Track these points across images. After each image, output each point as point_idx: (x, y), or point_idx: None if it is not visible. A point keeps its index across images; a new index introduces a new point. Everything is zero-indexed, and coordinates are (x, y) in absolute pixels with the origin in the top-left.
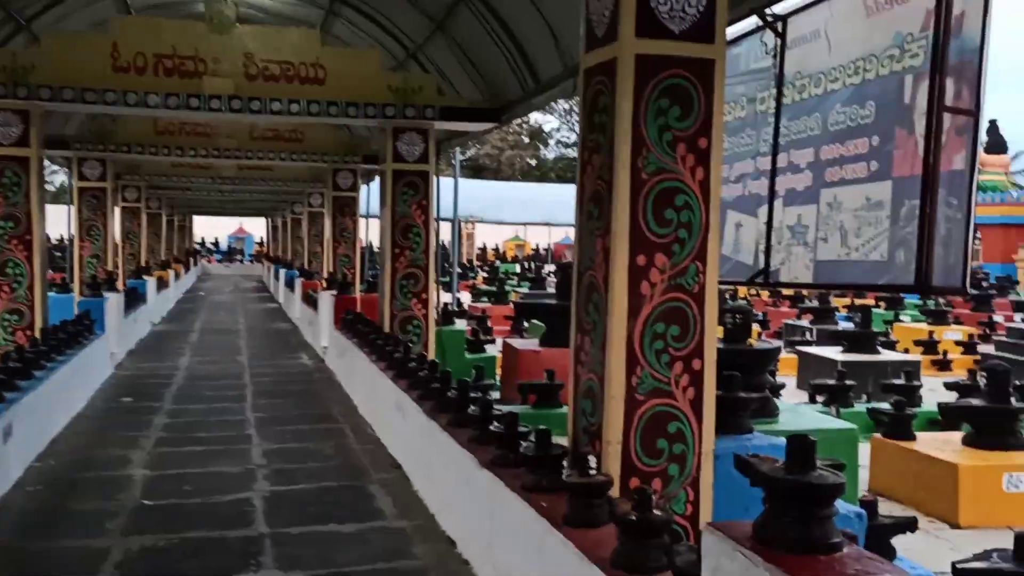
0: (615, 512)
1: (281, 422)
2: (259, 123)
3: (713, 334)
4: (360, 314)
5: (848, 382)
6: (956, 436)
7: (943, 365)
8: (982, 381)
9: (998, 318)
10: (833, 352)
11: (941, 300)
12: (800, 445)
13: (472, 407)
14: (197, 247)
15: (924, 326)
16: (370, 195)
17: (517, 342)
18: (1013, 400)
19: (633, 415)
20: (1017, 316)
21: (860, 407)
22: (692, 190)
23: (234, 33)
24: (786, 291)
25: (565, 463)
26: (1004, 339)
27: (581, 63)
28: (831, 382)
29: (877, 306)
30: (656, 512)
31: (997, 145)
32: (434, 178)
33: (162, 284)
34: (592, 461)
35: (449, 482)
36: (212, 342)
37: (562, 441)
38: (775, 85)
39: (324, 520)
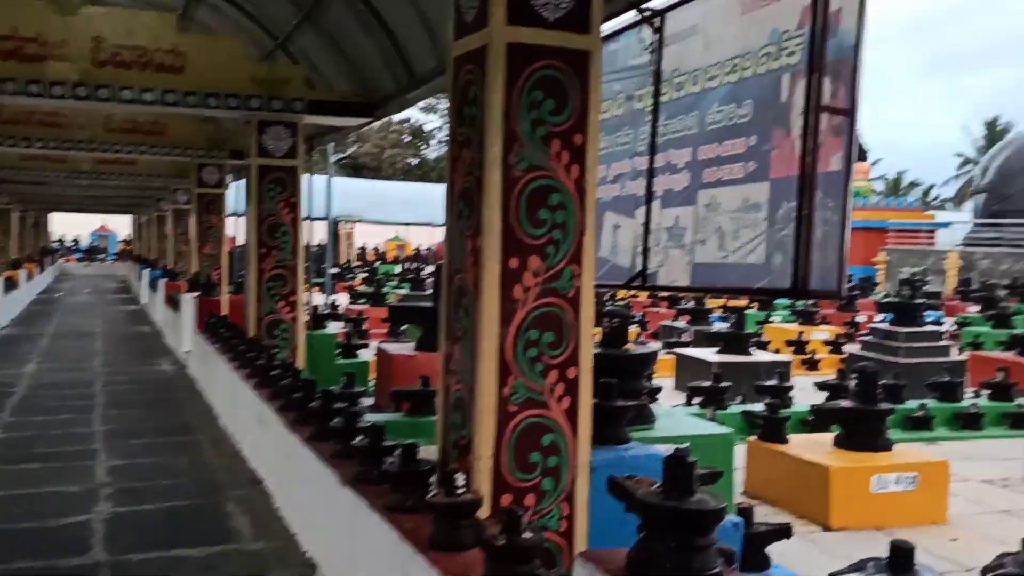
0: (482, 535)
1: (132, 435)
2: (115, 113)
3: (589, 340)
4: (223, 318)
5: (724, 384)
6: (827, 438)
7: (812, 364)
8: (852, 383)
9: (862, 318)
10: (709, 353)
11: (810, 301)
12: (677, 466)
13: (337, 418)
14: (55, 245)
15: (794, 327)
16: (239, 192)
17: (391, 346)
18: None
19: (505, 427)
20: (879, 316)
21: (736, 408)
22: (567, 189)
23: (82, 15)
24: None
25: (433, 480)
26: (868, 339)
27: (450, 51)
28: (707, 384)
29: (751, 307)
30: (526, 535)
31: (858, 152)
32: (303, 175)
33: (11, 285)
34: (460, 479)
35: (311, 500)
36: (64, 347)
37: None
38: (653, 82)
39: (171, 544)
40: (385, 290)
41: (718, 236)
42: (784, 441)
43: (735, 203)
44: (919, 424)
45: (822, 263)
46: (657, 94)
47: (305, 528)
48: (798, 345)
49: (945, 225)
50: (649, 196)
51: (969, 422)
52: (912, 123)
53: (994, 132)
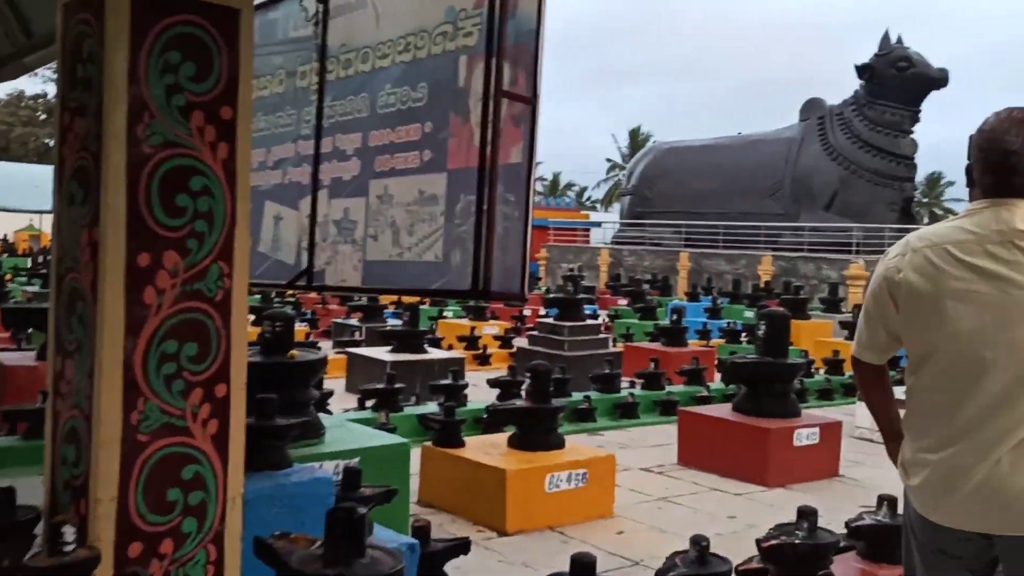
0: None
1: None
2: None
3: (242, 351)
4: None
5: (397, 385)
6: (502, 439)
7: (484, 360)
8: (525, 380)
9: (528, 312)
10: (382, 352)
11: None
12: (343, 520)
13: None
14: None
15: (466, 322)
16: None
17: (8, 355)
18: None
19: (134, 462)
20: (543, 310)
21: (411, 411)
22: (213, 171)
23: None
24: None
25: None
26: (535, 333)
27: None
28: (380, 386)
29: (423, 303)
30: None
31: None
32: None
33: None
34: (69, 532)
35: None
36: None
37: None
38: (318, 58)
39: None
40: (11, 287)
41: (392, 231)
42: (460, 444)
43: (410, 195)
44: (583, 416)
45: (504, 262)
46: (323, 71)
47: None
48: (470, 341)
49: (597, 224)
50: (315, 185)
51: (627, 411)
52: (570, 130)
53: (637, 140)
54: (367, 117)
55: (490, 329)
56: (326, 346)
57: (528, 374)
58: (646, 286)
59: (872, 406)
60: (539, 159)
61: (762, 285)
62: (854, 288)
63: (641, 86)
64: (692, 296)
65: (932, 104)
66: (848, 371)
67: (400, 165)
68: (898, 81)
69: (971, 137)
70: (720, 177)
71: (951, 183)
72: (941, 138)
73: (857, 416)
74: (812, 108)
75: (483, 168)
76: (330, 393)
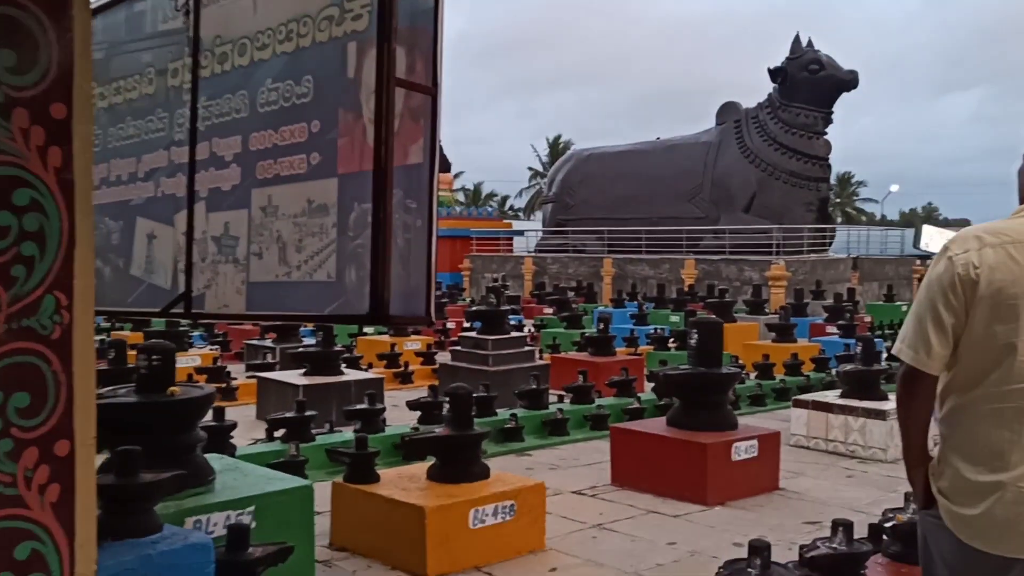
0: None
1: None
2: None
3: (89, 398)
4: None
5: (308, 412)
6: (421, 470)
7: (405, 378)
8: (445, 404)
9: (452, 325)
10: (295, 376)
11: None
12: None
13: None
14: None
15: (386, 338)
16: None
17: None
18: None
19: None
20: (467, 323)
21: (324, 439)
22: (43, 182)
23: None
24: None
25: None
26: (458, 348)
27: None
28: (290, 415)
29: None
30: None
31: (442, 163)
32: None
33: None
34: None
35: None
36: None
37: None
38: (190, 52)
39: None
40: None
41: (279, 247)
42: (373, 479)
43: (297, 205)
44: (510, 435)
45: (406, 280)
46: (196, 67)
47: None
48: (390, 359)
49: (520, 233)
50: (191, 197)
51: (556, 428)
52: (490, 139)
53: (557, 149)
54: (247, 118)
55: (412, 345)
56: (238, 370)
57: (447, 398)
58: (571, 293)
59: (913, 425)
60: (461, 169)
61: (686, 289)
62: (776, 288)
63: (558, 94)
64: (617, 302)
65: (839, 106)
66: (779, 374)
67: (285, 171)
68: (810, 83)
69: None
70: (640, 182)
71: (862, 183)
72: (850, 139)
73: (792, 422)
74: (728, 112)
75: (379, 171)
76: (232, 426)
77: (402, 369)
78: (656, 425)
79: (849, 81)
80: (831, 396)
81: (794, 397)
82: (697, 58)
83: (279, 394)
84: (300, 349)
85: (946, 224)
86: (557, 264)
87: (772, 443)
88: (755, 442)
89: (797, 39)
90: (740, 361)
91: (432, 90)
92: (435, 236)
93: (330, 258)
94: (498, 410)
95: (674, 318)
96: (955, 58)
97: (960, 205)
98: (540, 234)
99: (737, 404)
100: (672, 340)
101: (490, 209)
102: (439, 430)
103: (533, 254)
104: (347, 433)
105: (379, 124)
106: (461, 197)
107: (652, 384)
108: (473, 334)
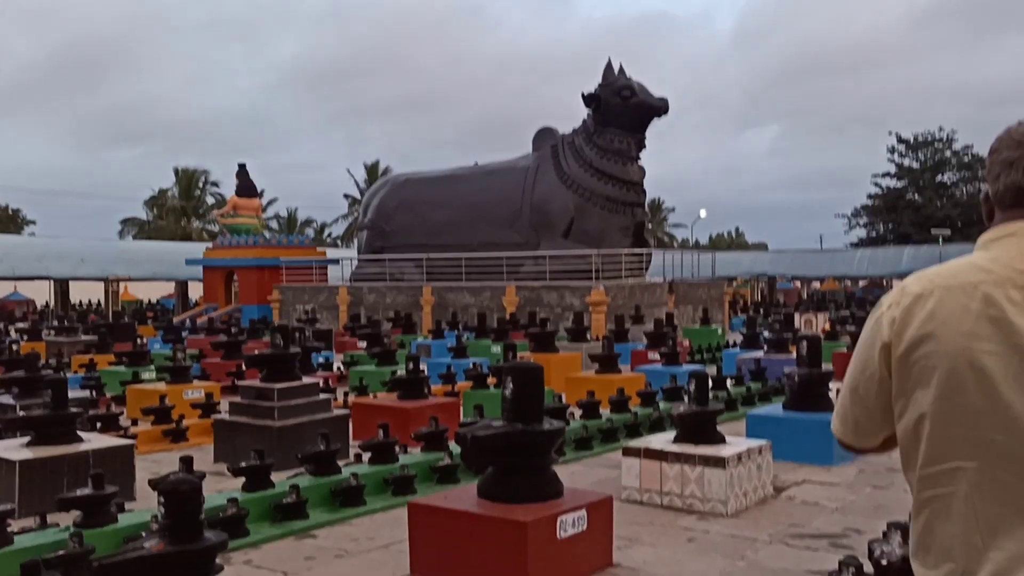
0: None
1: None
2: None
3: None
4: None
5: (3, 507)
6: None
7: (178, 436)
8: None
9: (247, 368)
10: (15, 447)
11: (185, 350)
12: None
13: None
14: None
15: (163, 386)
16: None
17: None
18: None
19: None
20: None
21: (24, 541)
22: None
23: None
24: None
25: None
26: (239, 400)
27: None
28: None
29: (120, 362)
30: None
31: (248, 189)
32: None
33: None
34: None
35: None
36: None
37: None
38: None
39: None
40: None
41: None
42: None
43: None
44: (289, 512)
45: None
46: None
47: None
48: (160, 413)
49: (335, 261)
50: None
51: (348, 498)
52: (316, 167)
53: (375, 174)
54: None
55: (193, 394)
56: None
57: (161, 498)
58: (388, 325)
59: None
60: (276, 195)
61: (507, 317)
62: (597, 314)
63: (388, 123)
64: (437, 333)
65: (651, 137)
66: (606, 409)
67: None
68: (622, 109)
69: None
70: (459, 208)
71: (671, 209)
72: (661, 168)
73: (624, 473)
74: (544, 137)
75: None
76: None
77: (173, 426)
78: (466, 498)
79: (660, 107)
80: (664, 441)
81: (624, 445)
82: (526, 90)
83: None
84: (21, 412)
85: (749, 247)
86: (374, 294)
87: (603, 511)
88: (584, 513)
89: (609, 65)
90: (564, 400)
91: None
92: None
93: None
94: (276, 483)
95: (495, 349)
96: (755, 96)
97: (763, 230)
98: (355, 262)
99: (562, 449)
100: (491, 377)
101: (302, 238)
102: (149, 544)
103: (348, 284)
104: (61, 530)
105: None
106: (274, 224)
107: (460, 448)
108: (257, 382)
